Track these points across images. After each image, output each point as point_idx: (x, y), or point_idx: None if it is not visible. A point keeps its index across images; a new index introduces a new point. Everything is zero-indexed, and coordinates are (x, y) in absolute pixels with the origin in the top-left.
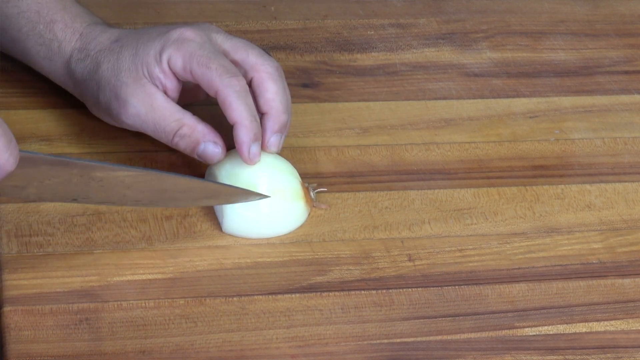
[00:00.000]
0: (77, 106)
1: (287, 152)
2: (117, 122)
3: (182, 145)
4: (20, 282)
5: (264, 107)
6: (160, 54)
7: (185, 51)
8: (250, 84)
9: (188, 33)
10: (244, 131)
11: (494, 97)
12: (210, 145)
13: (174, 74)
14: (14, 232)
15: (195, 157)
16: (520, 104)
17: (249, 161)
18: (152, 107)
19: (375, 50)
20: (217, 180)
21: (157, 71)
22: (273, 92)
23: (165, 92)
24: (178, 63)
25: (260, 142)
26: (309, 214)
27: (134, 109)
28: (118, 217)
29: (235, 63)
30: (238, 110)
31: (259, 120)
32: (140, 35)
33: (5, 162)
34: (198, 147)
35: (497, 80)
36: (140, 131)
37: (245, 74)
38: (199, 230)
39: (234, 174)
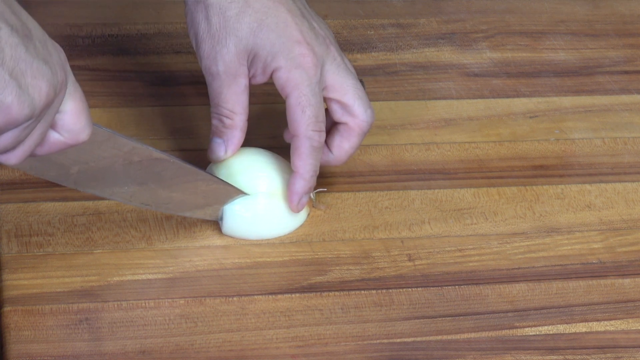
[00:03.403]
0: None
1: (287, 152)
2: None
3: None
4: (20, 282)
5: (334, 151)
6: (272, 59)
7: (292, 76)
8: (339, 122)
9: (308, 59)
10: (302, 183)
11: (494, 97)
12: (216, 140)
13: (267, 78)
14: (14, 232)
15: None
16: (520, 104)
17: (295, 210)
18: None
19: (375, 50)
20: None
21: (259, 70)
22: (351, 147)
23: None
24: (280, 80)
25: (309, 195)
26: (309, 214)
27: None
28: (118, 217)
29: (338, 101)
30: (305, 163)
31: (316, 177)
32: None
33: (81, 131)
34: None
35: (497, 80)
36: None
37: (341, 115)
38: (199, 230)
39: (233, 174)
